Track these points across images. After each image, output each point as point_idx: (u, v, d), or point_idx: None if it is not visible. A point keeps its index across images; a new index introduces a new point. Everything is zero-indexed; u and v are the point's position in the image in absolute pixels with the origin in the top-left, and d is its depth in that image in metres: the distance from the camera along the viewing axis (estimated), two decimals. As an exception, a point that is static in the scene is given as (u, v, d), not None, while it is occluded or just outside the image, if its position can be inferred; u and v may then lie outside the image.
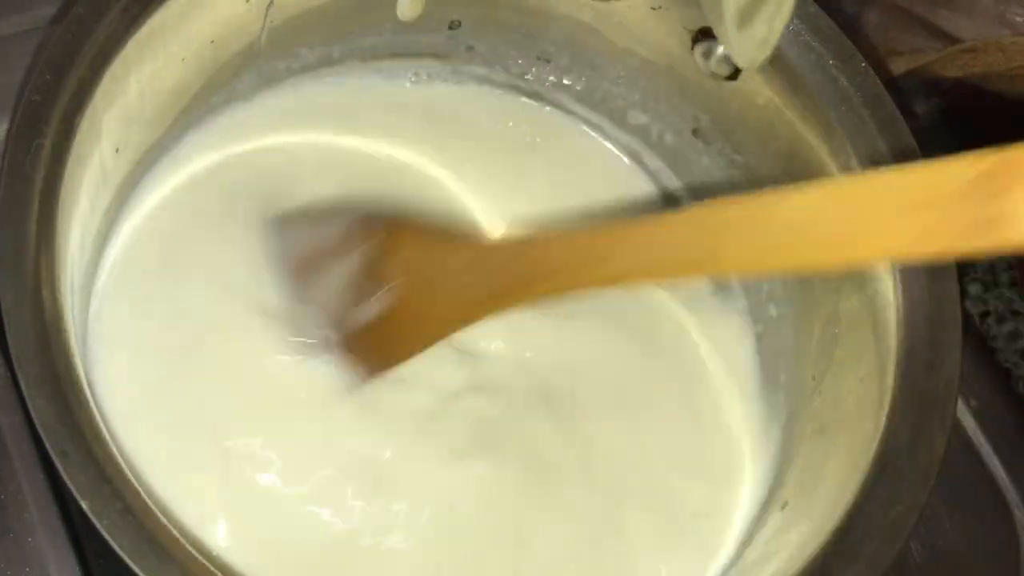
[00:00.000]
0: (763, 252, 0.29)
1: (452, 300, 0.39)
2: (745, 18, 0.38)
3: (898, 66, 0.54)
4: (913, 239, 0.27)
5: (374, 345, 0.41)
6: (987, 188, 0.25)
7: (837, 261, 0.34)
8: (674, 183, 0.51)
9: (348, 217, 0.43)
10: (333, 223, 0.43)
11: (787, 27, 0.40)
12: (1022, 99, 0.53)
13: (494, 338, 0.44)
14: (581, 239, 0.34)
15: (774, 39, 0.39)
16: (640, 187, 0.51)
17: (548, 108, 0.51)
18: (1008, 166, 0.25)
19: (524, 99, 0.51)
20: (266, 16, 0.44)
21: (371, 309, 0.40)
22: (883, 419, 0.38)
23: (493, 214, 0.48)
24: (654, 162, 0.51)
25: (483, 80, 0.51)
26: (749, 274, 0.31)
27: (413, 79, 0.51)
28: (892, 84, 0.55)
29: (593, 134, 0.52)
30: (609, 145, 0.52)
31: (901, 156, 0.41)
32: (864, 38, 0.55)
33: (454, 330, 0.40)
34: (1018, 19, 0.51)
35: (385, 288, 0.40)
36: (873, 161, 0.41)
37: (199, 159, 0.46)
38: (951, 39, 0.53)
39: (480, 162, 0.49)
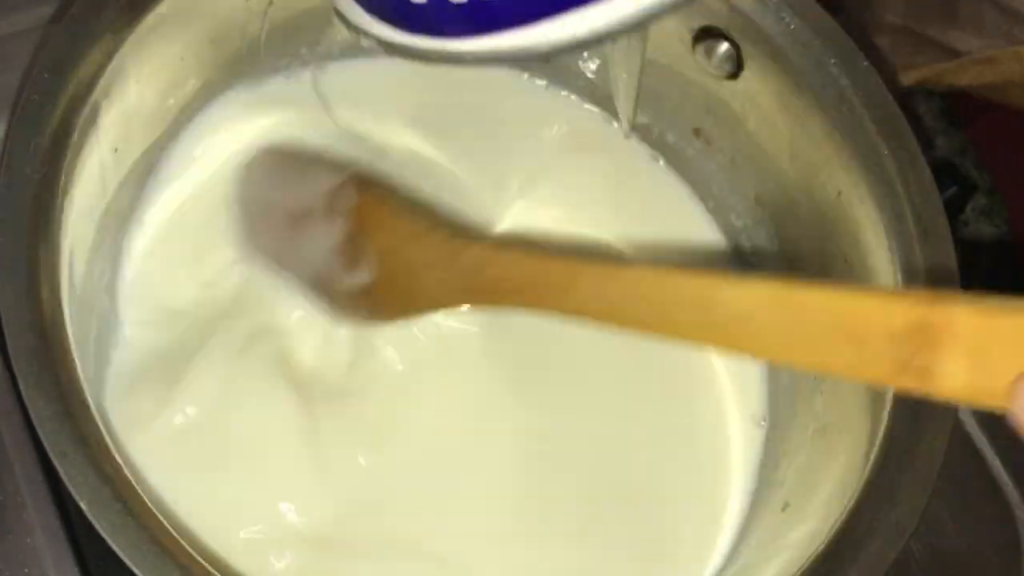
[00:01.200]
0: (704, 331, 0.31)
1: (427, 286, 0.39)
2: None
3: (911, 76, 0.55)
4: (843, 364, 0.28)
5: (362, 304, 0.41)
6: (917, 339, 0.26)
7: (770, 359, 0.37)
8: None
9: (325, 174, 0.43)
10: (310, 178, 0.43)
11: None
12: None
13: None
14: (543, 264, 0.35)
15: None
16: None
17: (549, 100, 0.51)
18: (936, 323, 0.26)
19: (523, 99, 0.51)
20: (266, 15, 0.43)
21: (352, 277, 0.41)
22: (883, 419, 0.37)
23: (491, 198, 0.48)
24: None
25: (483, 79, 0.51)
26: (686, 344, 0.34)
27: (414, 77, 0.50)
28: (893, 83, 0.55)
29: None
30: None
31: (902, 157, 0.41)
32: (877, 58, 0.55)
33: (435, 310, 0.40)
34: (1024, 36, 0.51)
35: (365, 260, 0.40)
36: (874, 162, 0.41)
37: (199, 158, 0.46)
38: (961, 58, 0.53)
39: (480, 151, 0.49)
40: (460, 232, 0.40)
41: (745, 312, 0.29)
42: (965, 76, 0.53)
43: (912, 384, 0.26)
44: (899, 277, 0.39)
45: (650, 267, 0.33)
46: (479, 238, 0.39)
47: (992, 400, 0.25)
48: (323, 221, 0.42)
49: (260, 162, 0.44)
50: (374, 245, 0.40)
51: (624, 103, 0.40)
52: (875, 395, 0.39)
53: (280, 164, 0.44)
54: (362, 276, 0.41)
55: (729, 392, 0.47)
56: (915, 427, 0.37)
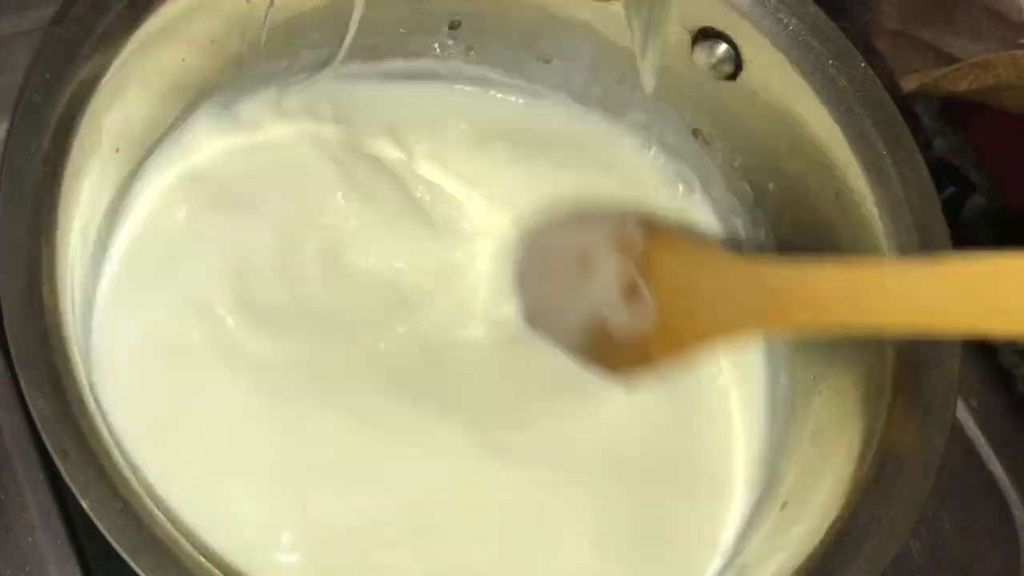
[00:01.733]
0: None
1: (710, 313, 0.39)
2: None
3: (910, 83, 0.55)
4: None
5: (627, 350, 0.41)
6: None
7: None
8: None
9: (599, 221, 0.43)
10: (584, 228, 0.44)
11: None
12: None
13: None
14: (844, 272, 0.34)
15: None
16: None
17: (548, 105, 0.51)
18: None
19: (523, 100, 0.51)
20: (267, 15, 0.44)
21: (627, 315, 0.41)
22: (883, 419, 0.38)
23: (495, 210, 0.48)
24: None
25: (482, 80, 0.51)
26: (1010, 336, 0.32)
27: (413, 78, 0.51)
28: (892, 85, 0.55)
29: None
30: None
31: (900, 157, 0.41)
32: (875, 60, 0.56)
33: (710, 343, 0.40)
34: (1021, 41, 0.51)
35: (643, 295, 0.40)
36: (873, 163, 0.41)
37: (200, 159, 0.46)
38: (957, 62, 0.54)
39: (477, 159, 0.49)
40: (752, 258, 0.40)
41: None
42: (962, 82, 0.54)
43: None
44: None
45: (967, 258, 0.30)
46: (773, 261, 0.39)
47: None
48: (604, 266, 0.42)
49: (542, 223, 0.46)
50: (659, 284, 0.40)
51: (647, 55, 0.41)
52: (874, 394, 0.39)
53: (559, 220, 0.46)
54: (643, 318, 0.40)
55: (734, 392, 0.47)
56: (914, 426, 0.37)
